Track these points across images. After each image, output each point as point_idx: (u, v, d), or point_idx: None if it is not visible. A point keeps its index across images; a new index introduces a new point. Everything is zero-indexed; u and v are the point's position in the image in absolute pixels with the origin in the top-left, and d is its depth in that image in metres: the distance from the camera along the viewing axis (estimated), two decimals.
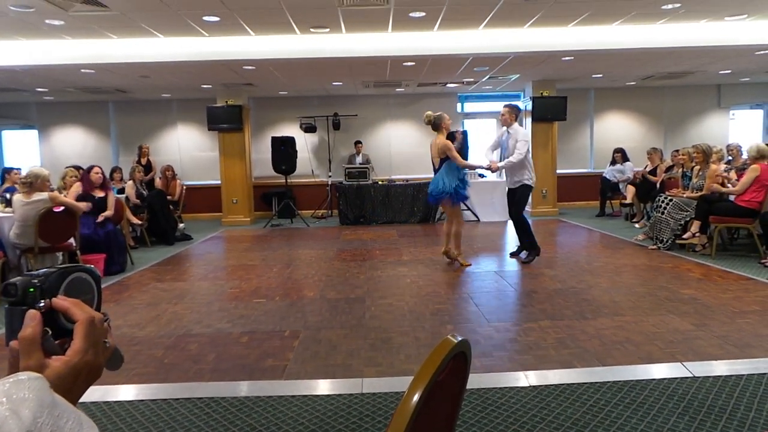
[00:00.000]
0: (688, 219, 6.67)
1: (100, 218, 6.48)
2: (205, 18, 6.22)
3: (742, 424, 2.51)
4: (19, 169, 9.76)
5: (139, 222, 8.11)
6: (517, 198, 6.38)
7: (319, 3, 5.79)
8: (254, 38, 7.27)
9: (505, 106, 6.41)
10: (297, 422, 2.66)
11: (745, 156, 8.06)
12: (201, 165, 12.20)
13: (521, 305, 4.77)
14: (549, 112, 10.50)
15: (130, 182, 8.61)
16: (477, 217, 10.28)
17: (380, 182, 10.63)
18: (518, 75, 9.92)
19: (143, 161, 9.85)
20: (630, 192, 9.60)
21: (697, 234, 6.51)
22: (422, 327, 4.09)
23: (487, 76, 9.93)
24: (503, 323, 4.16)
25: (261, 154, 11.80)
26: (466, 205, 9.84)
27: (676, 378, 3.04)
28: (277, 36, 7.25)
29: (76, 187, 6.49)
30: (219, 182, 11.11)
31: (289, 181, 10.88)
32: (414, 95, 12.02)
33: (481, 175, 10.76)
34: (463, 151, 7.19)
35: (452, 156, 6.03)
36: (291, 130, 11.69)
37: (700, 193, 6.68)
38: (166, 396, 3.00)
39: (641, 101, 12.26)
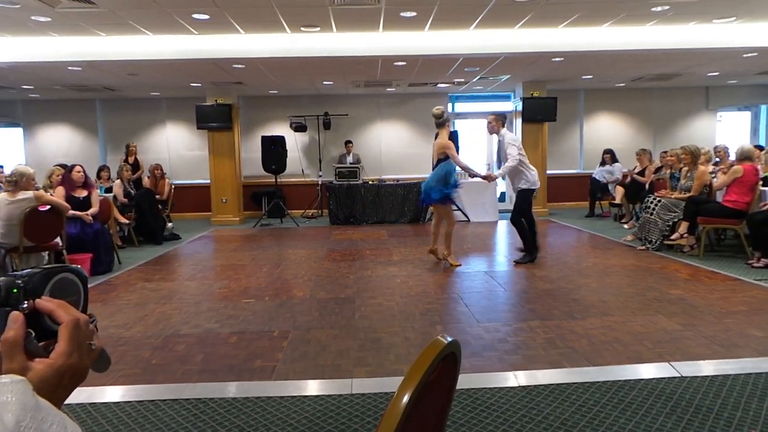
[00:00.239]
0: (676, 220, 6.73)
1: (89, 215, 6.39)
2: (195, 16, 6.18)
3: (728, 424, 2.53)
4: (2, 167, 9.66)
5: (127, 221, 8.04)
6: (516, 203, 6.39)
7: (309, 2, 5.77)
8: (244, 36, 7.24)
9: (490, 114, 6.38)
10: (286, 423, 2.65)
11: (732, 158, 8.15)
12: (190, 164, 12.12)
13: (511, 305, 4.78)
14: (539, 112, 10.56)
15: (118, 181, 8.53)
16: (467, 217, 10.30)
17: (370, 182, 10.63)
18: (509, 76, 9.96)
19: (131, 160, 9.77)
20: (619, 193, 9.67)
21: (685, 235, 6.57)
22: (412, 327, 4.09)
23: (478, 77, 9.96)
24: (493, 323, 4.17)
25: (251, 153, 11.75)
26: (456, 206, 9.86)
27: (663, 378, 3.07)
28: (268, 35, 7.22)
29: (60, 191, 6.28)
30: (208, 181, 11.04)
31: (278, 180, 10.84)
32: (405, 95, 12.03)
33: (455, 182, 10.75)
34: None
35: (452, 155, 6.01)
36: (281, 129, 11.65)
37: (688, 194, 6.75)
38: (153, 397, 2.97)
39: (630, 102, 12.36)
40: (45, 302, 0.66)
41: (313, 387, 3.09)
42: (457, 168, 6.22)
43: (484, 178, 6.60)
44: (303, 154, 12.05)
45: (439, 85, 11.00)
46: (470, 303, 4.74)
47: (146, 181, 9.51)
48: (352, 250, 7.52)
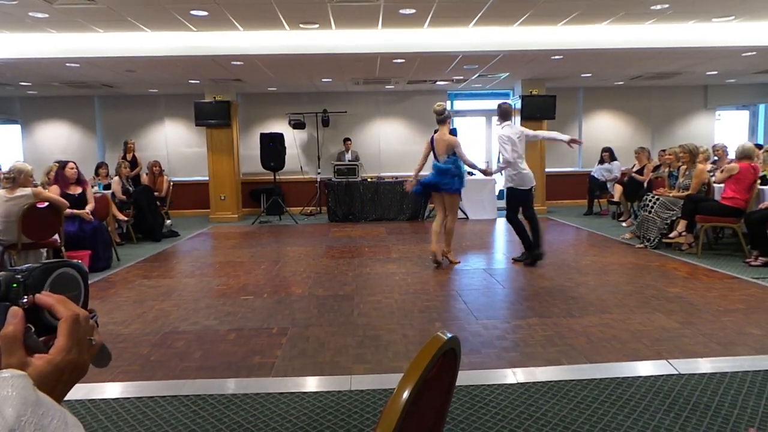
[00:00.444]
0: (674, 218, 6.74)
1: (88, 210, 6.38)
2: (193, 12, 6.16)
3: (726, 421, 2.54)
4: None
5: (125, 218, 8.03)
6: (506, 200, 6.36)
7: None
8: (243, 33, 7.22)
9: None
10: (285, 419, 2.65)
11: (730, 156, 8.17)
12: (188, 161, 12.10)
13: (509, 303, 4.79)
14: (538, 110, 10.55)
15: (116, 178, 8.52)
16: (466, 215, 10.30)
17: (369, 179, 10.62)
18: (508, 73, 9.96)
19: (129, 157, 9.75)
20: (617, 191, 9.68)
21: (684, 233, 6.58)
22: (410, 324, 4.09)
23: (477, 74, 9.95)
24: (491, 320, 4.17)
25: (249, 150, 11.73)
26: None
27: (661, 375, 3.08)
28: (266, 31, 7.20)
29: (55, 189, 6.19)
30: (207, 178, 11.02)
31: (277, 177, 10.83)
32: (403, 92, 12.02)
33: (471, 173, 10.79)
34: None
35: (460, 153, 6.01)
36: (280, 126, 11.64)
37: (686, 193, 6.75)
38: (152, 394, 2.97)
39: (629, 101, 12.37)
40: (45, 297, 0.66)
41: (311, 384, 3.09)
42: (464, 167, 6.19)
43: (481, 171, 6.59)
44: (302, 151, 12.04)
45: (438, 83, 10.99)
46: (469, 300, 4.75)
47: (145, 178, 9.49)
48: (351, 247, 7.52)
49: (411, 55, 7.91)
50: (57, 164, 7.12)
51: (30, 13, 6.01)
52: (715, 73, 10.35)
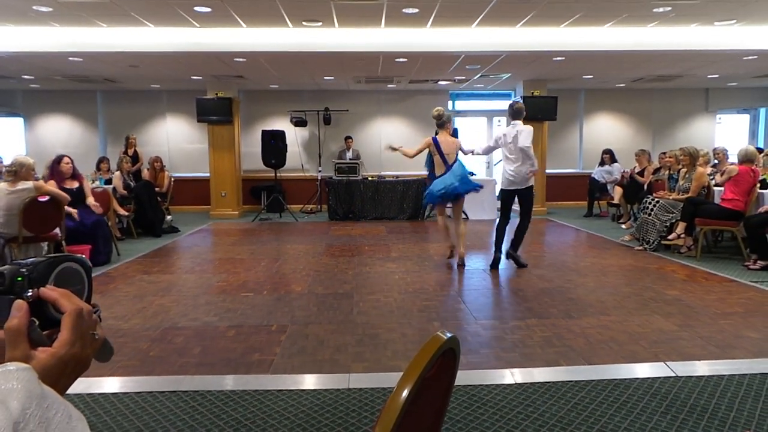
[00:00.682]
0: (674, 221, 6.75)
1: (91, 199, 6.40)
2: (197, 8, 6.16)
3: (723, 424, 2.54)
4: (1, 158, 9.63)
5: (126, 213, 8.04)
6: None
7: None
8: (246, 30, 7.22)
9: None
10: (283, 416, 2.66)
11: (731, 160, 8.16)
12: (190, 157, 12.11)
13: (508, 303, 4.80)
14: (539, 111, 10.54)
15: (118, 173, 8.52)
16: (466, 215, 10.30)
17: (370, 178, 10.63)
18: (509, 74, 9.96)
19: (130, 152, 9.74)
20: (617, 193, 9.68)
21: (683, 235, 6.59)
22: (410, 323, 4.10)
23: (479, 75, 9.95)
24: (490, 321, 4.18)
25: (251, 147, 11.73)
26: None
27: (659, 377, 3.08)
28: (269, 29, 7.20)
29: (52, 184, 6.05)
30: (208, 175, 11.03)
31: (278, 175, 10.82)
32: (405, 92, 12.02)
33: (471, 173, 10.77)
34: None
35: (462, 149, 6.22)
36: (281, 123, 11.64)
37: (686, 195, 6.76)
38: (151, 389, 2.98)
39: (631, 103, 12.37)
40: (49, 291, 0.66)
41: (310, 381, 3.10)
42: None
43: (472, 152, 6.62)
44: (303, 149, 12.04)
45: (439, 83, 10.99)
46: (468, 300, 4.76)
47: (146, 174, 9.49)
48: (351, 245, 7.52)
49: (413, 55, 7.91)
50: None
51: (34, 7, 6.01)
52: (717, 76, 10.35)
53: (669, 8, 6.24)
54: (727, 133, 12.65)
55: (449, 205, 6.39)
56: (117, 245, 6.98)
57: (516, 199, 6.08)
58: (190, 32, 7.19)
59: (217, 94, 10.50)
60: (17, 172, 5.44)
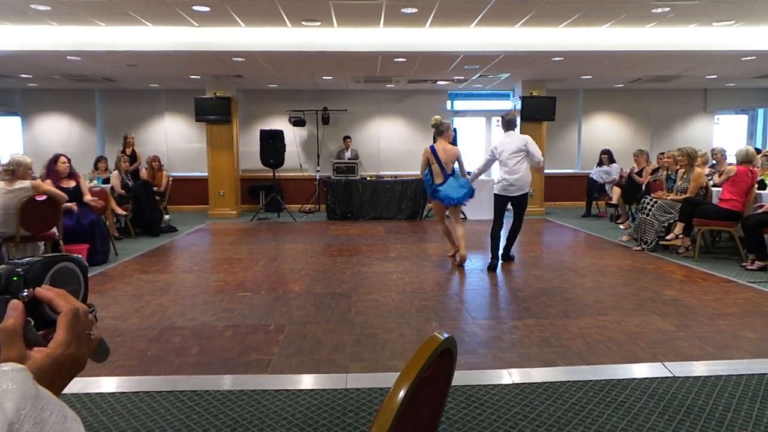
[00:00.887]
0: (672, 221, 6.75)
1: (89, 197, 6.39)
2: (195, 7, 6.15)
3: (720, 424, 2.55)
4: None
5: (124, 212, 8.02)
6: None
7: None
8: (245, 29, 7.21)
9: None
10: (281, 416, 2.65)
11: (729, 160, 8.18)
12: (188, 156, 12.09)
13: (506, 303, 4.80)
14: (538, 112, 10.56)
15: (116, 172, 8.51)
16: (464, 215, 10.31)
17: (368, 178, 10.63)
18: (508, 74, 9.96)
19: (128, 151, 9.72)
20: (616, 193, 9.69)
21: (681, 236, 6.60)
22: (408, 323, 4.10)
23: (478, 75, 9.95)
24: (488, 321, 4.18)
25: (249, 146, 11.73)
26: None
27: (656, 378, 3.09)
28: (268, 28, 7.20)
29: (49, 184, 5.98)
30: (206, 174, 11.01)
31: (276, 174, 10.82)
32: (404, 92, 12.02)
33: (469, 173, 10.77)
34: None
35: (461, 163, 6.25)
36: (280, 123, 11.63)
37: (684, 196, 6.77)
38: (148, 389, 2.98)
39: (629, 103, 12.38)
40: (45, 291, 0.66)
41: (308, 381, 3.10)
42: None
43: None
44: (301, 148, 12.04)
45: (438, 83, 10.99)
46: (466, 300, 4.76)
47: (144, 173, 9.48)
48: (349, 245, 7.52)
49: (412, 55, 7.91)
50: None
51: (32, 6, 6.00)
52: (715, 76, 10.36)
53: (667, 9, 6.25)
54: (725, 134, 12.68)
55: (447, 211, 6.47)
56: (115, 245, 6.97)
57: (510, 204, 6.20)
58: (189, 31, 7.18)
59: (215, 93, 10.49)
60: (15, 171, 5.43)
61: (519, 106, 10.77)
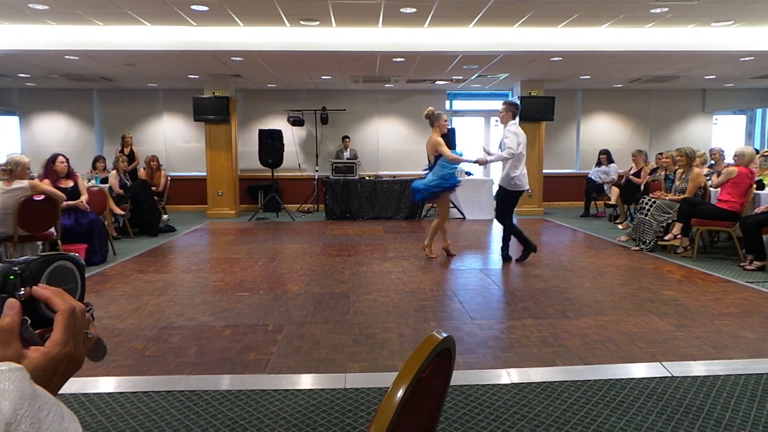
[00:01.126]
0: (670, 221, 6.76)
1: (85, 197, 6.37)
2: (194, 7, 6.15)
3: (718, 424, 2.55)
4: None
5: (122, 212, 8.01)
6: (500, 202, 6.38)
7: None
8: (243, 29, 7.21)
9: (503, 103, 6.22)
10: (279, 416, 2.65)
11: (727, 161, 8.19)
12: (186, 156, 12.08)
13: (505, 303, 4.80)
14: (537, 111, 10.57)
15: (114, 172, 8.50)
16: (463, 215, 10.32)
17: (367, 178, 10.62)
18: (507, 74, 9.96)
19: (126, 151, 9.72)
20: (614, 193, 9.70)
21: (679, 236, 6.61)
22: (406, 323, 4.10)
23: (476, 75, 9.96)
24: (487, 321, 4.18)
25: (248, 146, 11.72)
26: (452, 203, 9.87)
27: (655, 377, 3.09)
28: (267, 28, 7.19)
29: (47, 183, 5.98)
30: (204, 174, 11.01)
31: (275, 174, 10.82)
32: (403, 91, 12.02)
33: (468, 173, 10.80)
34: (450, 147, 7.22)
35: (442, 151, 6.14)
36: (278, 123, 11.63)
37: (682, 196, 6.78)
38: (146, 389, 2.97)
39: (628, 104, 12.40)
40: (41, 290, 0.66)
41: (306, 381, 3.09)
42: (458, 166, 6.27)
43: (475, 162, 6.44)
44: (300, 148, 12.04)
45: (437, 83, 10.99)
46: (464, 300, 4.76)
47: (142, 173, 9.47)
48: (348, 245, 7.52)
49: (411, 54, 7.91)
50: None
51: (30, 5, 5.99)
52: (714, 77, 10.38)
53: (666, 9, 6.26)
54: (723, 134, 12.70)
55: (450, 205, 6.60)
56: (113, 244, 6.96)
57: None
58: (187, 31, 7.17)
59: (214, 93, 10.48)
60: (12, 170, 5.43)
61: None
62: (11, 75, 9.82)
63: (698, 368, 3.22)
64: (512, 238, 6.38)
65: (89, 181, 8.44)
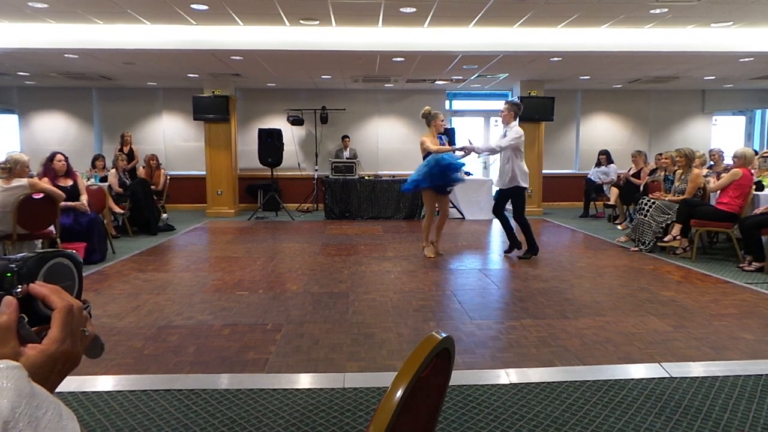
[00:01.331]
0: (669, 222, 6.76)
1: (83, 204, 6.36)
2: (193, 6, 6.14)
3: (716, 425, 2.55)
4: None
5: (121, 211, 8.01)
6: (515, 201, 6.42)
7: None
8: (243, 28, 7.20)
9: (506, 102, 6.36)
10: (278, 416, 2.65)
11: (726, 161, 8.19)
12: (186, 155, 12.07)
13: (504, 303, 4.80)
14: (536, 112, 10.57)
15: (113, 171, 8.49)
16: (462, 214, 10.32)
17: (366, 177, 10.62)
18: (507, 74, 9.96)
19: (125, 149, 9.71)
20: (613, 194, 9.70)
21: (678, 237, 6.61)
22: (405, 323, 4.10)
23: (476, 75, 9.96)
24: (486, 321, 4.18)
25: (247, 145, 11.72)
26: (452, 202, 9.87)
27: (654, 378, 3.09)
28: (266, 27, 7.19)
29: (45, 182, 5.96)
30: (204, 173, 11.00)
31: (275, 173, 10.82)
32: (403, 91, 12.02)
33: (468, 173, 10.81)
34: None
35: (427, 147, 6.22)
36: (278, 122, 11.63)
37: (681, 197, 6.78)
38: (145, 387, 2.97)
39: (627, 104, 12.40)
40: (39, 287, 0.65)
41: (305, 380, 3.09)
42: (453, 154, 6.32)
43: (461, 149, 6.45)
44: (300, 147, 12.03)
45: (437, 82, 10.99)
46: (463, 300, 4.76)
47: (141, 171, 9.46)
48: (347, 245, 7.52)
49: (411, 54, 7.91)
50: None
51: (29, 3, 5.98)
52: (713, 78, 10.38)
53: (666, 9, 6.26)
54: (723, 135, 12.70)
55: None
56: (112, 243, 6.96)
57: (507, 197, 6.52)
58: (187, 30, 7.17)
59: (213, 92, 10.47)
60: (12, 169, 5.42)
61: None
62: (10, 73, 9.81)
63: (697, 369, 3.22)
64: (512, 229, 6.52)
65: (88, 179, 8.42)
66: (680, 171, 7.02)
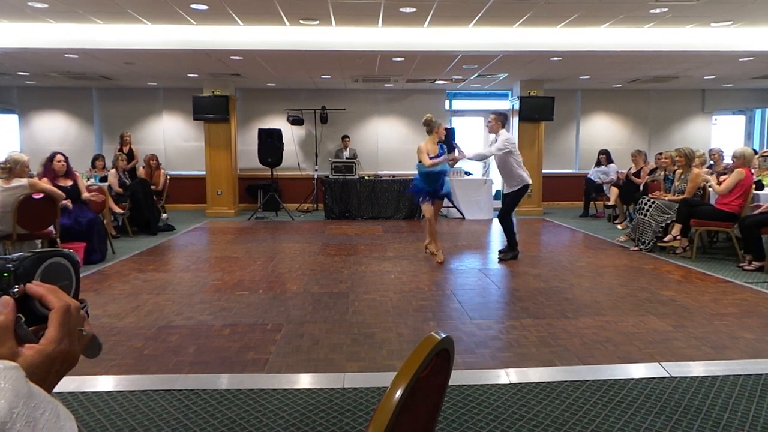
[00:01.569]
0: (669, 221, 6.76)
1: (87, 195, 6.40)
2: (193, 6, 6.14)
3: (716, 424, 2.55)
4: None
5: (121, 211, 8.00)
6: (508, 200, 6.44)
7: None
8: (243, 28, 7.20)
9: (492, 113, 6.42)
10: (277, 416, 2.65)
11: (726, 161, 8.19)
12: (186, 155, 12.06)
13: (504, 303, 4.80)
14: (536, 112, 10.57)
15: (113, 171, 8.49)
16: (462, 214, 10.32)
17: (366, 177, 10.62)
18: (506, 74, 9.96)
19: (125, 149, 9.70)
20: (613, 193, 9.70)
21: (678, 236, 6.61)
22: (405, 323, 4.10)
23: (476, 75, 9.95)
24: (486, 321, 4.18)
25: (247, 145, 11.72)
26: (452, 203, 9.87)
27: (653, 378, 3.09)
28: (266, 27, 7.18)
29: (45, 182, 5.95)
30: (204, 173, 11.00)
31: (274, 173, 10.81)
32: (402, 91, 12.01)
33: (467, 173, 10.82)
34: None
35: (420, 158, 6.18)
36: (278, 122, 11.62)
37: (681, 197, 6.78)
38: (145, 387, 2.97)
39: (627, 104, 12.40)
40: (36, 287, 0.65)
41: (305, 380, 3.09)
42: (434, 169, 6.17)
43: (450, 160, 6.35)
44: (299, 147, 12.03)
45: (436, 82, 10.99)
46: (463, 300, 4.75)
47: (141, 171, 9.46)
48: (347, 245, 7.51)
49: (410, 54, 7.91)
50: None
51: (29, 3, 5.98)
52: (713, 77, 10.38)
53: (666, 9, 6.25)
54: (722, 134, 12.70)
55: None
56: (112, 243, 6.95)
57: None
58: (187, 30, 7.16)
59: (213, 92, 10.47)
60: (12, 169, 5.42)
61: (517, 106, 10.78)
62: (10, 73, 9.81)
63: (697, 368, 3.22)
64: (515, 236, 6.51)
65: (88, 179, 8.42)
66: (680, 170, 7.02)
